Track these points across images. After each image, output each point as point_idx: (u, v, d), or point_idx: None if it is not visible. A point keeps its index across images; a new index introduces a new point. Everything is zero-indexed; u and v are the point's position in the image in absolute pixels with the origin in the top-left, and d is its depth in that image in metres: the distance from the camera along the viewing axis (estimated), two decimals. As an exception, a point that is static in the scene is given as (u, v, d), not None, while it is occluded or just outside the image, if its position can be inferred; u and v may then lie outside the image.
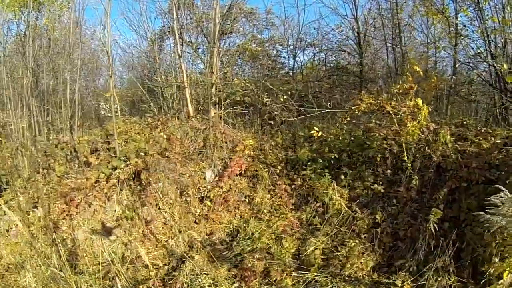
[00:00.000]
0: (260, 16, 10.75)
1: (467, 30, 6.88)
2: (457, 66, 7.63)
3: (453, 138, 5.12)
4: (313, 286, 3.91)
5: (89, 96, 12.05)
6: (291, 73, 10.23)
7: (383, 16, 8.89)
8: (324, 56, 10.67)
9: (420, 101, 4.64)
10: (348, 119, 5.10)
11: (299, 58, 10.81)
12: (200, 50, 9.79)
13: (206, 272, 4.00)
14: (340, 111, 5.62)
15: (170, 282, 4.02)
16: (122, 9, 18.06)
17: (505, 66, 5.85)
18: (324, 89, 8.54)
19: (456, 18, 6.94)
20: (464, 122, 5.93)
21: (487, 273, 3.24)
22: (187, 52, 8.81)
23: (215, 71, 6.77)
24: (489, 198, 2.87)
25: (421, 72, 5.23)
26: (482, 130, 5.49)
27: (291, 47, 10.39)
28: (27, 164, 6.64)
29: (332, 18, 18.15)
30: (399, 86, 4.80)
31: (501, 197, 2.78)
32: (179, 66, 7.67)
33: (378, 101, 4.84)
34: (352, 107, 4.94)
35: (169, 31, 9.94)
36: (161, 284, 4.04)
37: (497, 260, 3.23)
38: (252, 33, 10.49)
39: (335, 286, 3.82)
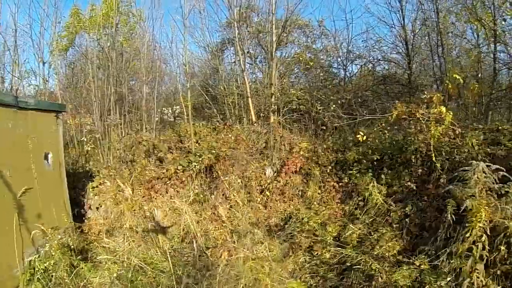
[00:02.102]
0: (313, 28, 12.13)
1: (505, 35, 7.75)
2: (497, 71, 8.33)
3: (485, 142, 6.07)
4: (345, 259, 5.31)
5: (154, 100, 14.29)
6: (342, 83, 11.38)
7: (427, 26, 9.87)
8: (372, 66, 11.87)
9: (443, 108, 5.76)
10: (383, 124, 6.48)
11: (350, 68, 12.03)
12: (257, 60, 11.57)
13: (262, 242, 5.63)
14: (379, 118, 6.98)
15: (234, 248, 5.66)
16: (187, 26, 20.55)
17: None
18: (371, 98, 9.84)
19: (495, 24, 7.80)
20: (500, 128, 6.65)
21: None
22: (247, 63, 10.64)
23: (274, 82, 8.48)
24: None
25: (461, 80, 6.39)
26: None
27: (342, 58, 11.64)
28: (113, 157, 8.82)
29: (380, 28, 19.34)
30: (424, 96, 6.06)
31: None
32: (241, 78, 9.54)
33: (409, 109, 6.14)
34: (386, 114, 6.30)
35: (228, 43, 11.87)
36: (227, 250, 5.74)
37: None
38: (306, 43, 11.98)
39: (363, 260, 5.09)
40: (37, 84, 11.30)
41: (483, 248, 3.85)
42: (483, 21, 8.05)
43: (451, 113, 5.90)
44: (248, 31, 10.73)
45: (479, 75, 8.97)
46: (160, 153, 8.21)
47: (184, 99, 8.56)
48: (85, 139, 8.91)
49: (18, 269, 4.61)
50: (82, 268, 4.87)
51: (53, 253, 4.81)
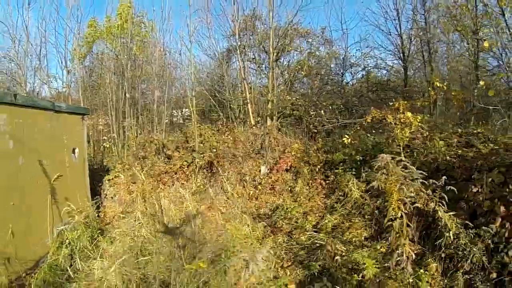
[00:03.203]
0: (315, 35, 13.63)
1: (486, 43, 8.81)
2: (479, 78, 9.36)
3: (459, 145, 7.23)
4: (317, 241, 6.67)
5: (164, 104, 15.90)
6: (337, 90, 12.70)
7: (419, 36, 11.05)
8: (366, 73, 13.22)
9: (409, 114, 6.95)
10: (359, 128, 7.89)
11: (345, 76, 13.31)
12: (263, 66, 13.05)
13: (248, 224, 7.10)
14: (355, 122, 8.37)
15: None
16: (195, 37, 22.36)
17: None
18: (364, 103, 11.15)
19: (477, 33, 8.94)
20: (474, 131, 7.79)
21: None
22: (252, 68, 12.29)
23: (271, 90, 10.06)
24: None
25: (444, 87, 7.59)
26: (490, 138, 7.30)
27: (338, 66, 13.06)
28: (127, 154, 10.53)
29: (378, 36, 20.73)
30: (391, 103, 7.33)
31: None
32: (243, 84, 11.20)
33: (382, 114, 7.47)
34: (361, 119, 7.66)
35: (234, 50, 13.42)
36: (220, 230, 7.23)
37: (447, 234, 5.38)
38: (309, 50, 13.41)
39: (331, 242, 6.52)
40: (57, 88, 13.24)
41: (402, 224, 5.09)
42: (467, 29, 9.23)
43: (418, 118, 7.07)
44: (252, 38, 12.33)
45: (468, 82, 10.18)
46: (168, 151, 9.86)
47: (191, 103, 10.15)
48: (105, 138, 10.71)
49: (49, 239, 6.21)
50: (100, 241, 6.49)
51: (78, 227, 6.44)
